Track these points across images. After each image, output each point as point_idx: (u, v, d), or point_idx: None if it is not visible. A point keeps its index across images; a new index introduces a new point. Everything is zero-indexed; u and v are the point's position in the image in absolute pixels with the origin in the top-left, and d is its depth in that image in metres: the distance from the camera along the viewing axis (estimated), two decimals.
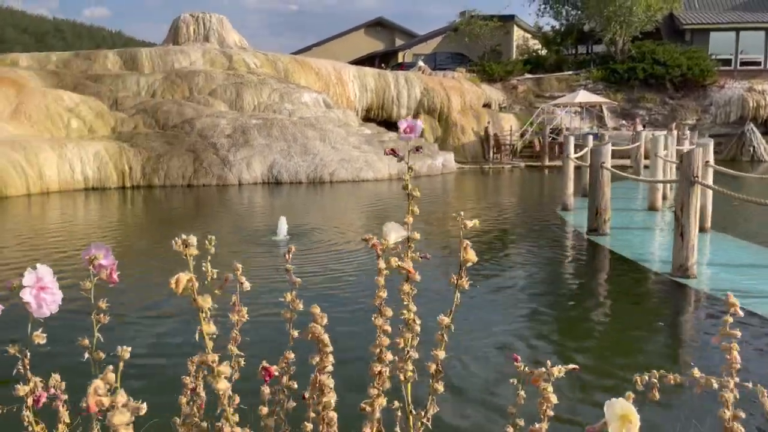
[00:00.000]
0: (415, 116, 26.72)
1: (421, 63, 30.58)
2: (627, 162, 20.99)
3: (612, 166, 20.93)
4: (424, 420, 1.31)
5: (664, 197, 12.84)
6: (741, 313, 1.29)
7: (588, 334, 5.60)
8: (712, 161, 10.02)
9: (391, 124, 25.93)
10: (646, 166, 15.69)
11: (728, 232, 9.93)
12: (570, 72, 31.94)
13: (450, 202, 16.03)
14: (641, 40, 30.82)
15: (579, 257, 8.89)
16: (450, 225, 11.76)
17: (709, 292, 6.62)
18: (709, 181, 9.69)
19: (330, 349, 1.24)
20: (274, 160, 18.82)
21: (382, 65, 34.55)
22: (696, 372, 1.38)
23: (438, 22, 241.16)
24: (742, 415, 1.26)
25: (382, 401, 1.28)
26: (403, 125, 1.29)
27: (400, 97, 26.33)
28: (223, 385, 1.02)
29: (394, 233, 1.32)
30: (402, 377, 1.30)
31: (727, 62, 31.45)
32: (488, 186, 19.99)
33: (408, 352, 1.31)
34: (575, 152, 13.23)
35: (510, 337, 5.30)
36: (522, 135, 27.89)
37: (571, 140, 12.39)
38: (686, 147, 10.28)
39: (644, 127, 27.96)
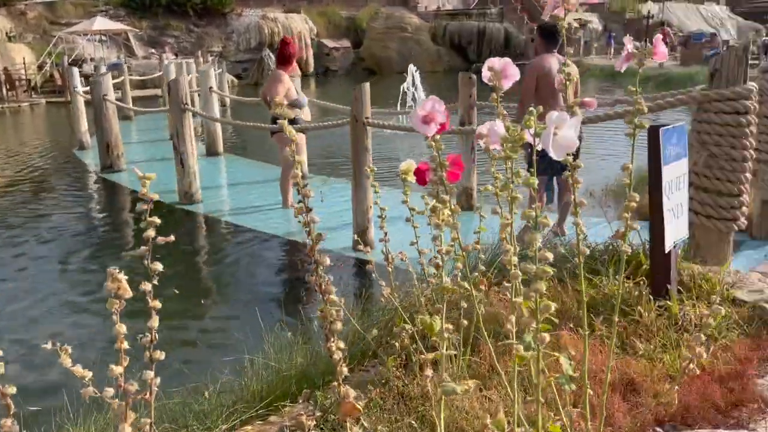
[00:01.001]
0: None
1: None
2: (159, 92, 20.62)
3: (143, 97, 20.15)
4: None
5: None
6: None
7: (86, 273, 5.26)
8: (215, 87, 10.44)
9: None
10: None
11: (242, 155, 10.59)
12: None
13: None
14: None
15: (91, 198, 8.32)
16: None
17: (212, 214, 6.96)
18: (215, 106, 10.12)
19: None
20: None
21: None
22: None
23: None
24: None
25: None
26: None
27: None
28: None
29: None
30: None
31: None
32: (1, 130, 17.14)
33: None
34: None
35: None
36: (40, 68, 24.67)
37: (76, 72, 11.28)
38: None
39: (176, 55, 27.82)
